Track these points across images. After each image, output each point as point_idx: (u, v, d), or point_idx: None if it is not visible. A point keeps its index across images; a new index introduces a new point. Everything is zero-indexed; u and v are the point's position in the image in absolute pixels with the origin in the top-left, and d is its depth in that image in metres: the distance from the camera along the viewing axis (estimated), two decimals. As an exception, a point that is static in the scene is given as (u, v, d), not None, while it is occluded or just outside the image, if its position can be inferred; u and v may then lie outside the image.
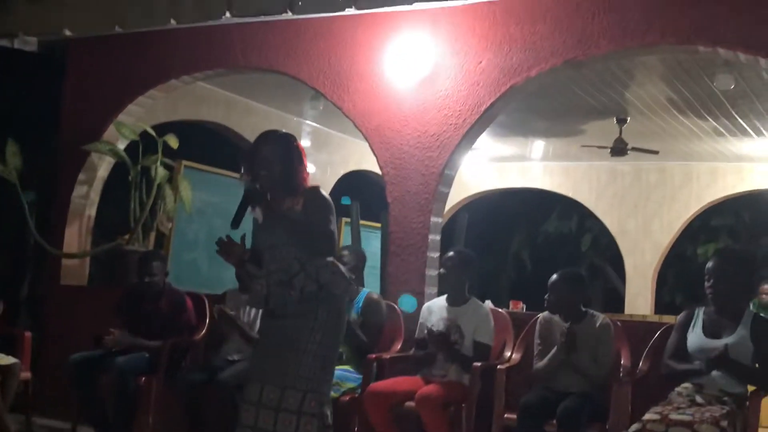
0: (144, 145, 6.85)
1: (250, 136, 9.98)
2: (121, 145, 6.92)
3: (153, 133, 6.91)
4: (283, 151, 3.90)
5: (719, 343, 4.12)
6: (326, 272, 3.78)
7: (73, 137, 6.98)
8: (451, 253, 5.16)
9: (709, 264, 4.30)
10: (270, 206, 3.86)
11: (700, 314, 4.32)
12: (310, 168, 4.08)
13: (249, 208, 3.89)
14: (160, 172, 6.80)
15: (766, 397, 4.10)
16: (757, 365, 4.14)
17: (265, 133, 4.02)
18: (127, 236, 6.80)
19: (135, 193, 6.81)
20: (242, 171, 3.99)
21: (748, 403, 4.07)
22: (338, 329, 3.87)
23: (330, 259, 3.84)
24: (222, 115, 9.62)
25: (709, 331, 4.23)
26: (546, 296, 4.77)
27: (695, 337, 4.24)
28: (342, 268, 3.87)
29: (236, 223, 3.86)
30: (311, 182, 4.00)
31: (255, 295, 3.92)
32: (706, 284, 4.27)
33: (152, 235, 7.01)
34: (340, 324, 3.89)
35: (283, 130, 4.09)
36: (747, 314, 4.21)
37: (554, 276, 4.79)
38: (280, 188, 3.89)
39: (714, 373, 4.09)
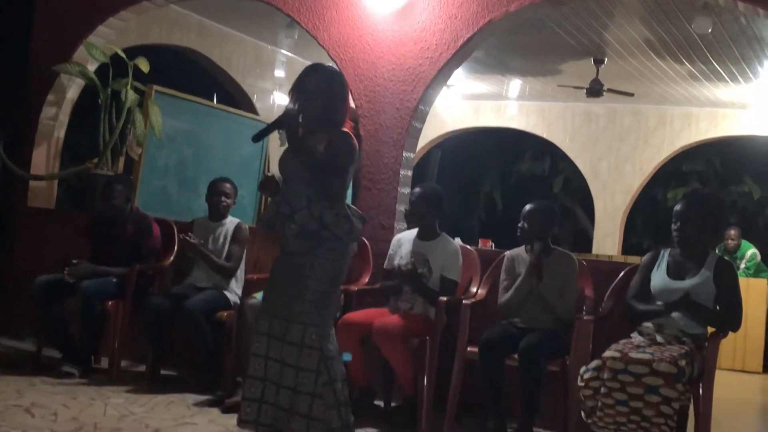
0: (114, 68, 6.72)
1: (224, 63, 9.88)
2: (91, 67, 6.79)
3: (124, 55, 6.78)
4: (327, 85, 3.91)
5: (682, 284, 4.18)
6: (330, 213, 3.81)
7: (43, 57, 6.84)
8: (418, 189, 5.14)
9: (677, 207, 4.33)
10: (298, 137, 3.86)
11: (665, 256, 4.37)
12: (282, 98, 4.05)
13: (277, 131, 3.93)
14: (131, 96, 6.69)
15: (724, 338, 4.18)
16: (717, 307, 4.21)
17: (314, 65, 4.04)
18: (95, 160, 6.72)
19: (104, 116, 6.70)
20: (288, 99, 3.99)
21: (707, 344, 4.15)
22: (339, 269, 3.88)
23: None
24: (195, 41, 9.48)
25: (673, 272, 4.28)
26: (519, 225, 4.79)
27: (659, 278, 4.30)
28: (349, 211, 3.88)
29: (258, 138, 3.90)
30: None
31: (265, 218, 3.99)
32: (673, 226, 4.31)
33: (121, 160, 6.93)
34: (342, 264, 3.90)
35: (332, 66, 4.08)
36: (711, 257, 4.26)
37: (529, 205, 4.82)
38: (317, 122, 3.91)
39: (675, 313, 4.15)
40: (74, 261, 5.42)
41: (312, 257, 3.80)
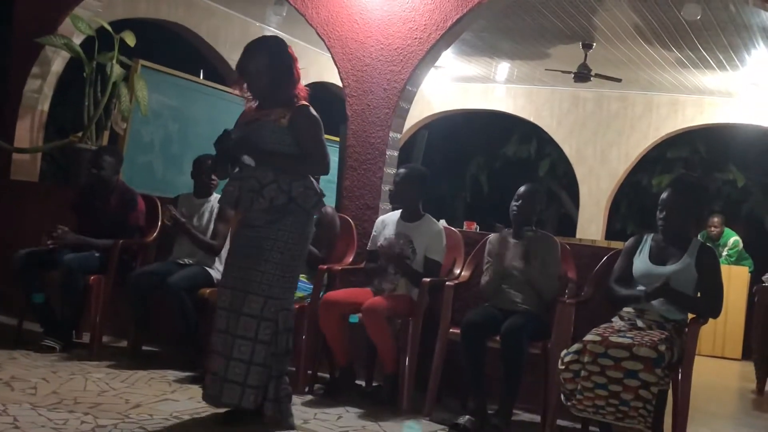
0: (100, 41, 6.66)
1: (211, 39, 9.81)
2: (77, 40, 6.73)
3: (110, 29, 6.72)
4: (268, 62, 3.89)
5: (664, 269, 4.20)
6: (298, 185, 3.85)
7: (27, 29, 6.76)
8: (402, 170, 5.14)
9: (664, 195, 4.33)
10: (259, 152, 3.89)
11: (647, 241, 4.38)
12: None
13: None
14: (116, 70, 6.64)
15: (704, 324, 4.20)
16: (698, 294, 4.23)
17: (249, 45, 3.99)
18: (80, 134, 6.67)
19: (89, 90, 6.66)
20: (235, 82, 4.02)
21: (687, 329, 4.17)
22: (303, 242, 3.95)
23: None
24: (182, 16, 9.40)
25: (656, 257, 4.29)
26: (515, 203, 4.79)
27: (641, 263, 4.31)
28: (315, 182, 3.93)
29: (222, 175, 4.06)
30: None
31: (227, 195, 3.98)
32: (658, 215, 4.31)
33: (106, 135, 6.89)
34: (305, 237, 3.97)
35: (274, 36, 4.04)
36: (693, 243, 4.27)
37: (524, 186, 4.85)
38: (271, 99, 3.92)
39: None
40: (59, 228, 5.39)
41: (275, 230, 3.84)
